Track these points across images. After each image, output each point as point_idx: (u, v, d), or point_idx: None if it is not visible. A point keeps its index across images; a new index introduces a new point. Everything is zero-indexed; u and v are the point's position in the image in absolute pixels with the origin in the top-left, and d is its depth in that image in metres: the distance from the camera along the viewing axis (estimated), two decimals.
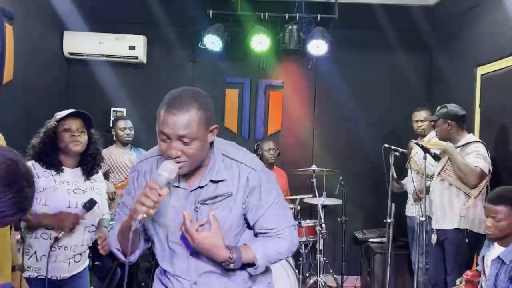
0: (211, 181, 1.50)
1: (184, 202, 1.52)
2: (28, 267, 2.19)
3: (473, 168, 3.07)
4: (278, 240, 1.56)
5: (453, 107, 3.35)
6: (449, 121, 3.31)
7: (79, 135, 2.27)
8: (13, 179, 1.18)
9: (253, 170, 1.52)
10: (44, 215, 2.15)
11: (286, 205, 1.62)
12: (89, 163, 2.35)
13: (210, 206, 1.50)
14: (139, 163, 1.61)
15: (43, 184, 2.20)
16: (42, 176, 2.22)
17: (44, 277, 2.18)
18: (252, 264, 1.52)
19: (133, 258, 1.57)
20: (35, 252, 2.21)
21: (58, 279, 2.25)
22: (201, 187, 1.51)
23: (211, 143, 1.51)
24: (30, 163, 2.22)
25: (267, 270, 1.67)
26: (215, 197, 1.50)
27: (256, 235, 1.59)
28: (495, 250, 2.48)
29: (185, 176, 1.50)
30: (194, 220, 1.49)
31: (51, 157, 2.25)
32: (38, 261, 2.21)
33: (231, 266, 1.48)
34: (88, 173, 2.36)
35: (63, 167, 2.28)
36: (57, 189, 2.22)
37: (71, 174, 2.31)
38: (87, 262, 2.46)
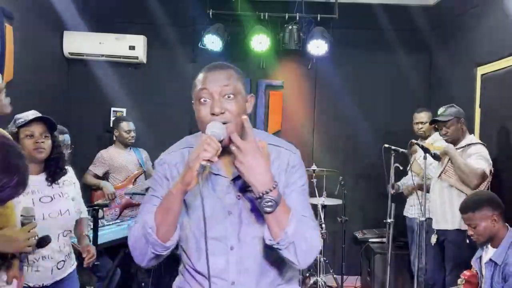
0: None
1: (225, 191, 1.41)
2: None
3: (475, 169, 3.07)
4: (310, 227, 1.39)
5: (457, 106, 3.37)
6: (462, 119, 3.32)
7: (42, 141, 2.15)
8: (15, 163, 1.25)
9: (292, 153, 1.50)
10: None
11: (309, 199, 1.52)
12: (52, 167, 2.23)
13: (252, 192, 1.34)
14: (166, 156, 1.50)
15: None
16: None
17: (26, 286, 2.12)
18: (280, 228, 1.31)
19: (170, 244, 1.35)
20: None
21: (42, 286, 2.17)
22: (240, 177, 1.37)
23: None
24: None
25: (294, 273, 1.54)
26: None
27: None
28: (489, 252, 2.51)
29: (225, 163, 1.41)
30: (237, 209, 1.39)
31: (51, 173, 2.18)
32: (20, 270, 2.10)
33: (267, 200, 1.27)
34: (53, 178, 2.23)
35: None
36: (20, 202, 1.99)
37: (35, 182, 2.14)
38: (74, 265, 2.38)
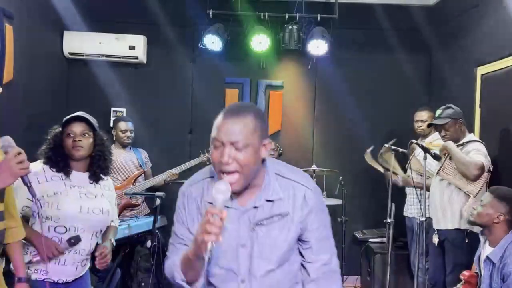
0: (266, 200, 1.47)
1: (238, 224, 1.47)
2: (35, 270, 2.18)
3: (474, 161, 3.08)
4: (332, 282, 1.54)
5: (455, 107, 3.37)
6: (460, 119, 3.33)
7: (80, 140, 2.24)
8: None
9: (308, 189, 1.51)
10: (36, 234, 2.11)
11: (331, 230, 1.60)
12: (94, 166, 2.33)
13: (267, 226, 1.47)
14: (188, 188, 1.56)
15: (54, 189, 2.19)
16: (51, 180, 2.21)
17: (51, 281, 2.18)
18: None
19: (199, 284, 1.47)
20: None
21: (64, 282, 2.24)
22: (255, 207, 1.47)
23: (263, 162, 1.50)
24: (41, 167, 2.22)
25: None
26: (271, 216, 1.46)
27: (302, 264, 1.55)
28: (486, 250, 2.52)
29: (238, 196, 1.47)
30: (251, 242, 1.47)
31: (59, 162, 2.24)
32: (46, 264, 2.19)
33: None
34: (96, 177, 2.34)
35: (73, 171, 2.27)
36: (68, 193, 2.21)
37: (79, 178, 2.29)
38: (89, 264, 2.46)
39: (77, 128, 2.26)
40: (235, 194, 1.45)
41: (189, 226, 1.51)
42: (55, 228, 2.19)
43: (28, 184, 1.82)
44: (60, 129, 2.28)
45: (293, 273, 1.54)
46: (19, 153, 1.77)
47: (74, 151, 2.23)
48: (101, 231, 2.39)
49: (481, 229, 2.67)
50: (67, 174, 2.25)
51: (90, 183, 2.33)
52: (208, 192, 1.49)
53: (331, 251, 1.56)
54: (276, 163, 1.57)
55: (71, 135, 2.24)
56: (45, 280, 2.17)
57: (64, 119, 2.29)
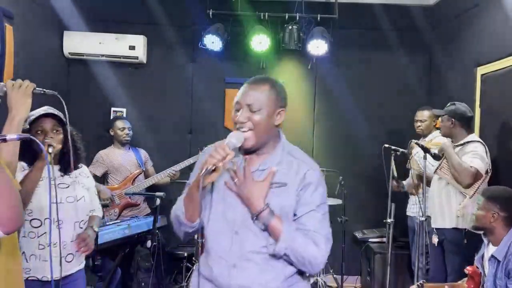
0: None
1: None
2: None
3: (468, 168, 3.08)
4: (311, 243, 1.56)
5: (461, 107, 3.36)
6: (453, 119, 3.32)
7: (51, 137, 2.18)
8: None
9: (311, 169, 1.64)
10: None
11: (328, 218, 1.66)
12: (65, 160, 2.25)
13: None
14: (209, 147, 1.72)
15: None
16: (22, 173, 2.15)
17: (35, 278, 2.13)
18: (275, 240, 1.56)
19: (196, 224, 1.61)
20: (24, 253, 2.13)
21: (49, 280, 2.13)
22: (260, 170, 1.62)
23: (279, 137, 1.69)
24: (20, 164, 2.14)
25: (304, 278, 1.67)
26: (271, 183, 1.59)
27: None
28: (490, 250, 2.52)
29: (248, 157, 1.64)
30: None
31: (30, 158, 2.17)
32: (27, 261, 2.14)
33: (259, 220, 1.55)
34: (65, 170, 2.29)
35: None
36: (40, 185, 2.13)
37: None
38: (82, 264, 2.38)
39: (47, 124, 2.21)
40: (246, 154, 1.64)
41: None
42: (30, 222, 2.15)
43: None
44: (28, 126, 2.17)
45: None
46: (13, 83, 1.85)
47: (46, 148, 2.13)
48: (83, 222, 2.33)
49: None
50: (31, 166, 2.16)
51: (61, 175, 2.29)
52: None
53: (323, 231, 1.60)
54: (291, 146, 1.73)
55: (41, 132, 2.18)
56: (29, 278, 2.12)
57: (33, 114, 2.19)
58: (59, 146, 2.21)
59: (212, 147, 1.65)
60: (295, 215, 1.60)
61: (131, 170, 4.18)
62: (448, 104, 3.42)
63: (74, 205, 2.27)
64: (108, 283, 3.24)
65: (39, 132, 2.19)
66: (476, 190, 3.15)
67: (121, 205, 4.08)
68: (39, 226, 2.16)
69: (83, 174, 2.43)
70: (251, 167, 1.62)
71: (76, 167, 2.35)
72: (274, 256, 1.57)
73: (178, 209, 1.65)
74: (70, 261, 2.26)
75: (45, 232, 2.15)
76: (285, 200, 1.59)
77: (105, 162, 4.13)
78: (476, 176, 3.09)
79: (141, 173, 4.23)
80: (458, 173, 3.11)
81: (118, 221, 3.70)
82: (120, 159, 4.17)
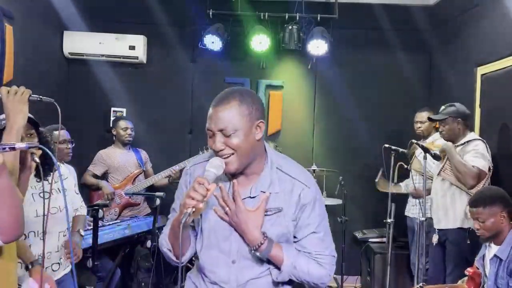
0: (262, 192, 1.50)
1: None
2: None
3: (470, 169, 3.07)
4: (314, 263, 1.53)
5: (460, 106, 3.35)
6: (459, 119, 3.30)
7: (26, 141, 2.04)
8: None
9: (306, 188, 1.52)
10: None
11: (330, 232, 1.60)
12: (40, 166, 2.08)
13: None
14: (191, 167, 1.62)
15: None
16: None
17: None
18: (278, 267, 1.52)
19: (185, 259, 1.54)
20: None
21: None
22: (251, 197, 1.51)
23: (265, 151, 1.55)
24: None
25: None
26: (265, 210, 1.49)
27: None
28: (492, 250, 2.52)
29: (238, 177, 1.52)
30: None
31: None
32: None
33: (258, 253, 1.47)
34: (41, 175, 2.12)
35: None
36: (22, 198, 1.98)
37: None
38: (68, 268, 2.34)
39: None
40: (233, 176, 1.50)
41: None
42: None
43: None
44: None
45: None
46: (8, 89, 1.75)
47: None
48: (67, 229, 2.27)
49: None
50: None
51: (37, 181, 2.17)
52: None
53: (327, 251, 1.55)
54: (280, 157, 1.59)
55: None
56: None
57: (2, 121, 1.98)
58: (39, 152, 1.95)
59: (192, 167, 1.61)
60: (295, 237, 1.54)
61: (131, 170, 4.18)
62: (444, 108, 3.38)
63: (57, 216, 2.19)
64: (108, 283, 3.24)
65: None
66: None
67: (121, 204, 4.09)
68: (23, 240, 2.08)
69: (65, 175, 2.33)
70: (241, 192, 1.49)
71: (50, 169, 2.19)
72: (278, 282, 1.53)
73: (164, 245, 1.55)
74: (57, 270, 2.23)
75: (29, 245, 2.10)
76: (283, 228, 1.51)
77: (105, 162, 4.14)
78: (480, 176, 3.08)
79: (141, 173, 4.23)
80: (462, 175, 3.09)
81: (118, 221, 3.70)
82: (120, 159, 4.17)
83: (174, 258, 1.54)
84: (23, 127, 1.77)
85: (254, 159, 1.50)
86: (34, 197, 2.13)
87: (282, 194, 1.50)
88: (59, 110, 1.85)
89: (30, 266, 1.98)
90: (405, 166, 3.80)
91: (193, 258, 1.65)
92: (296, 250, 1.54)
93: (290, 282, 1.58)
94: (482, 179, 3.11)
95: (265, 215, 1.49)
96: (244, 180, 1.52)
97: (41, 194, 2.16)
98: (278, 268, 1.51)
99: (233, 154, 1.44)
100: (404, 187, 4.06)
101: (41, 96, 1.84)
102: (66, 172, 2.43)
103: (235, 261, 1.51)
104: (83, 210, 2.53)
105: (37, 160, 1.82)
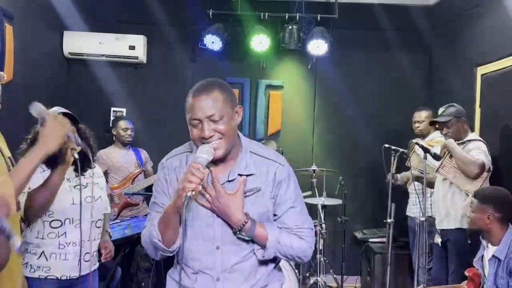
0: (239, 175, 1.56)
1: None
2: (38, 267, 2.17)
3: (475, 159, 3.08)
4: (295, 237, 1.58)
5: (458, 106, 3.37)
6: (462, 118, 3.32)
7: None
8: None
9: (280, 165, 1.60)
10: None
11: (305, 207, 1.66)
12: (80, 160, 2.20)
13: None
14: (167, 160, 1.67)
15: None
16: (42, 176, 2.16)
17: (54, 277, 2.18)
18: (262, 246, 1.56)
19: (175, 247, 1.56)
20: (43, 252, 2.19)
21: (68, 278, 2.22)
22: (229, 181, 1.56)
23: (239, 137, 1.61)
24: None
25: (279, 269, 1.70)
26: (244, 192, 1.54)
27: None
28: (490, 250, 2.53)
29: (217, 164, 1.56)
30: None
31: (49, 160, 2.07)
32: (47, 260, 2.19)
33: (243, 233, 1.52)
34: (81, 169, 2.21)
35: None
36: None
37: (67, 172, 2.19)
38: (97, 264, 2.44)
39: None
40: (213, 163, 1.53)
41: (170, 195, 1.58)
42: (50, 223, 2.19)
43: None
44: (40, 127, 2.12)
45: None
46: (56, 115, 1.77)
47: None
48: (100, 221, 2.39)
49: None
50: (54, 169, 2.12)
51: (76, 175, 2.31)
52: (187, 164, 1.58)
53: (306, 224, 1.62)
54: (252, 143, 1.67)
55: None
56: (48, 277, 2.17)
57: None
58: (78, 148, 2.09)
59: (168, 161, 1.64)
60: (275, 215, 1.60)
61: (131, 169, 4.18)
62: (443, 109, 3.38)
63: (92, 205, 2.30)
64: (108, 283, 3.24)
65: None
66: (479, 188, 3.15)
67: (120, 204, 4.09)
68: (59, 227, 2.21)
69: (97, 174, 2.46)
70: (219, 178, 1.55)
71: (90, 167, 2.34)
72: (263, 261, 1.57)
73: (153, 235, 1.54)
74: (88, 261, 2.31)
75: (65, 232, 2.21)
76: (263, 207, 1.57)
77: (105, 162, 4.14)
78: (483, 167, 3.08)
79: (141, 173, 4.23)
80: (466, 165, 3.09)
81: (118, 221, 3.70)
82: (120, 158, 4.17)
83: (164, 247, 1.53)
84: (52, 153, 1.74)
85: (233, 145, 1.56)
86: (71, 188, 2.27)
87: (259, 175, 1.57)
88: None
89: None
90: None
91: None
92: (277, 227, 1.59)
93: (273, 260, 1.63)
94: (485, 172, 3.12)
95: (245, 196, 1.54)
96: (222, 166, 1.57)
97: (77, 187, 2.29)
98: (262, 247, 1.55)
99: (221, 139, 1.49)
100: (400, 178, 4.08)
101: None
102: (100, 171, 2.58)
103: (219, 247, 1.55)
104: (109, 209, 2.68)
105: (76, 156, 1.92)
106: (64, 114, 2.21)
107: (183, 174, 1.46)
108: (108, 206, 2.67)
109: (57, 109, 2.24)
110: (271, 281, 1.64)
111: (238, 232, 1.52)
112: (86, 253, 2.29)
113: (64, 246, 2.21)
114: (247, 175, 1.56)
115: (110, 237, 2.73)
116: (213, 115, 1.48)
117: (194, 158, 1.48)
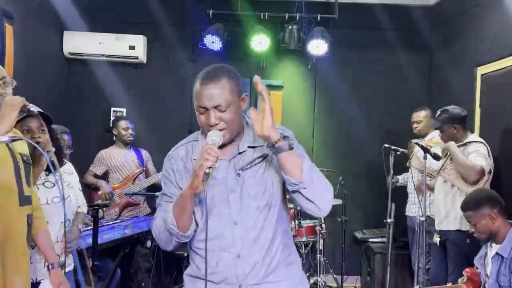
0: (249, 147, 1.60)
1: (226, 172, 1.58)
2: None
3: (474, 165, 3.08)
4: (322, 175, 1.62)
5: (455, 109, 3.32)
6: (455, 124, 3.29)
7: (39, 136, 2.12)
8: None
9: (283, 131, 1.61)
10: None
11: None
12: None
13: (251, 169, 1.58)
14: (173, 151, 1.69)
15: None
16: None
17: None
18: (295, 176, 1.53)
19: (190, 232, 1.55)
20: None
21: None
22: (240, 153, 1.60)
23: (244, 118, 1.64)
24: None
25: (296, 257, 1.70)
26: (253, 160, 1.58)
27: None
28: (493, 248, 2.54)
29: (223, 148, 1.57)
30: (239, 187, 1.57)
31: None
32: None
33: (279, 144, 1.47)
34: (50, 168, 2.19)
35: None
36: None
37: None
38: (70, 266, 2.36)
39: (33, 124, 2.14)
40: (221, 147, 1.53)
41: (179, 184, 1.60)
42: None
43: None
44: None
45: (281, 217, 1.62)
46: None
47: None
48: (69, 221, 2.33)
49: None
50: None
51: (46, 174, 2.26)
52: (194, 151, 1.62)
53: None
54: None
55: (28, 132, 2.12)
56: None
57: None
58: (53, 149, 2.08)
59: (174, 151, 1.67)
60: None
61: (132, 169, 4.18)
62: (438, 113, 3.38)
63: (60, 205, 2.23)
64: (108, 283, 3.24)
65: (25, 131, 2.13)
66: None
67: (121, 204, 4.09)
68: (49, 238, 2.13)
69: (67, 171, 2.42)
70: (229, 152, 1.59)
71: (60, 164, 2.28)
72: (277, 233, 1.57)
73: (168, 221, 1.53)
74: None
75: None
76: (273, 172, 1.58)
77: (106, 161, 4.14)
78: (482, 173, 3.08)
79: (141, 172, 4.23)
80: (465, 170, 3.09)
81: (118, 221, 3.70)
82: (121, 158, 4.17)
83: (179, 232, 1.52)
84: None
85: (239, 130, 1.60)
86: (38, 187, 2.21)
87: (263, 144, 1.57)
88: (44, 124, 1.99)
89: (50, 267, 2.02)
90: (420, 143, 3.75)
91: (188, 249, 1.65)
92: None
93: (286, 232, 1.64)
94: (484, 177, 3.12)
95: (255, 163, 1.58)
96: (230, 146, 1.60)
97: (45, 184, 2.26)
98: (296, 177, 1.50)
99: (224, 128, 1.53)
100: (401, 179, 4.08)
101: (40, 110, 1.87)
102: (72, 168, 2.52)
103: (236, 222, 1.55)
104: (84, 208, 2.60)
105: (54, 159, 1.90)
106: (40, 113, 2.14)
107: (199, 155, 1.46)
108: (83, 205, 2.58)
109: (31, 106, 2.17)
110: (290, 254, 1.65)
111: (274, 145, 1.47)
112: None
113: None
114: (256, 147, 1.60)
115: (96, 237, 2.66)
116: (220, 105, 1.51)
117: (206, 142, 1.49)
